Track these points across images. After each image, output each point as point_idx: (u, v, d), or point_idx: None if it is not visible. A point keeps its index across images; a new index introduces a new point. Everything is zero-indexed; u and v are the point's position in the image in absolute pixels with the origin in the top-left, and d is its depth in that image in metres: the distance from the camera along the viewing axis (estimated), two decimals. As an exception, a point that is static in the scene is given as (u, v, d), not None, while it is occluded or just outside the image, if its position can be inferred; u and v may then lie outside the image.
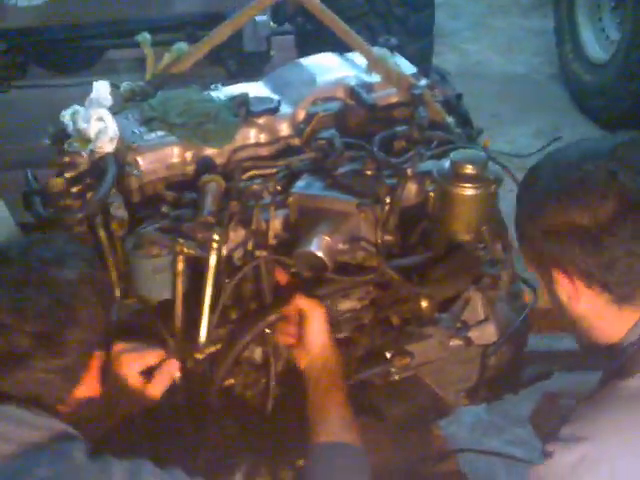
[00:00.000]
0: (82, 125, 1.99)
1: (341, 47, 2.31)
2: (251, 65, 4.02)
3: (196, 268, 1.86)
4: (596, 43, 5.38)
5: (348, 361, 2.01)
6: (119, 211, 1.93)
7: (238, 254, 1.92)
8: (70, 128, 2.03)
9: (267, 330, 1.90)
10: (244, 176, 2.00)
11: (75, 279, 1.58)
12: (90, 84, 2.08)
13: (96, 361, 1.64)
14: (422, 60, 3.82)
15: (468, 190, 1.92)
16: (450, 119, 2.25)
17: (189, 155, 2.03)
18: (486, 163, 1.94)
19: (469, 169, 1.91)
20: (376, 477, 1.74)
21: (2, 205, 2.22)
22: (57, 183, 1.91)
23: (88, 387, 1.64)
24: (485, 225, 1.96)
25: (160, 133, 2.04)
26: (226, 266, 1.88)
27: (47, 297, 1.53)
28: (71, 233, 1.85)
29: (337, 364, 1.84)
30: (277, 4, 2.27)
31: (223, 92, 2.18)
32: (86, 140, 1.99)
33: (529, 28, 6.46)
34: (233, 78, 3.88)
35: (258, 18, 3.75)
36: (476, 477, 2.69)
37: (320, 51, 2.36)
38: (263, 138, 2.11)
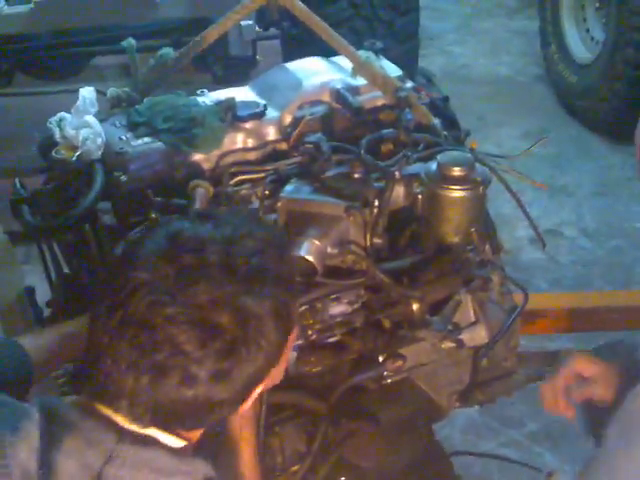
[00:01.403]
0: (69, 132, 1.99)
1: (326, 51, 2.30)
2: (237, 70, 4.01)
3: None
4: (581, 44, 5.40)
5: (340, 365, 2.01)
6: (107, 218, 1.93)
7: (227, 259, 1.91)
8: (57, 135, 2.02)
9: None
10: (232, 181, 2.00)
11: (264, 313, 1.38)
12: (77, 91, 2.07)
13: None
14: (408, 63, 3.83)
15: (456, 192, 1.92)
16: (436, 121, 2.25)
17: (176, 161, 2.03)
18: (473, 165, 1.95)
19: (456, 171, 1.92)
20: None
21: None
22: (45, 191, 1.91)
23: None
24: (474, 227, 1.96)
25: (147, 139, 2.03)
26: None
27: (239, 333, 1.34)
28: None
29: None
30: (262, 8, 2.26)
31: (209, 97, 2.18)
32: (73, 147, 1.98)
33: (514, 30, 6.49)
34: (219, 83, 3.88)
35: (243, 22, 3.75)
36: (471, 480, 2.70)
37: (306, 55, 2.36)
38: (250, 143, 2.11)
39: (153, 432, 1.39)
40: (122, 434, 1.37)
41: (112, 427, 1.38)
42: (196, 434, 1.48)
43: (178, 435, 1.43)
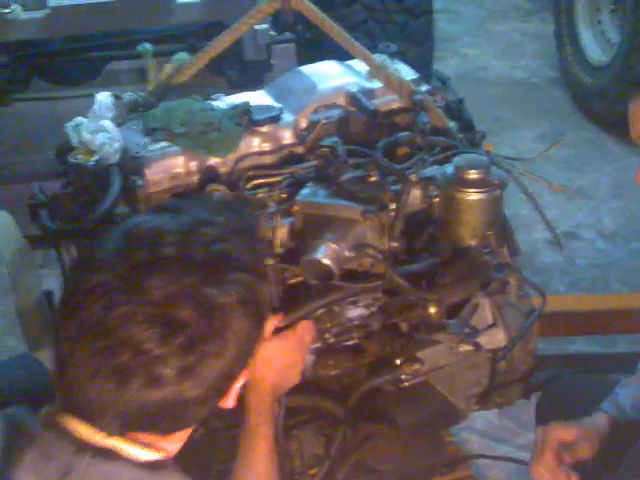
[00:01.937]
0: (86, 137, 1.99)
1: (340, 55, 2.31)
2: (252, 74, 4.02)
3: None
4: (596, 46, 5.38)
5: (358, 368, 2.01)
6: (125, 222, 1.93)
7: (244, 263, 1.91)
8: (74, 140, 2.03)
9: None
10: (248, 185, 2.00)
11: (229, 303, 1.33)
12: (93, 96, 2.08)
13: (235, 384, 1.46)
14: (422, 66, 3.83)
15: (472, 195, 1.91)
16: (452, 124, 2.25)
17: (193, 165, 2.03)
18: (490, 167, 1.94)
19: (473, 174, 1.91)
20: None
21: (9, 218, 2.22)
22: (63, 195, 1.92)
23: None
24: (491, 229, 1.95)
25: (164, 143, 2.03)
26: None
27: (203, 326, 1.29)
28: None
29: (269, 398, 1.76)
30: (276, 12, 2.26)
31: (225, 101, 2.18)
32: (90, 152, 1.99)
33: (529, 32, 6.47)
34: (234, 87, 3.88)
35: (258, 27, 3.75)
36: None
37: (320, 59, 2.36)
38: (266, 147, 2.11)
39: (118, 444, 1.34)
40: (82, 447, 1.32)
41: (72, 440, 1.33)
42: (175, 444, 1.42)
43: (151, 446, 1.37)
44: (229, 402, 1.46)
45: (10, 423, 1.37)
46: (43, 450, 1.33)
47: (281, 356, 1.75)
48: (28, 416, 1.40)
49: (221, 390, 1.38)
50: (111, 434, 1.32)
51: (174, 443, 1.43)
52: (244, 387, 1.74)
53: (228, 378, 1.37)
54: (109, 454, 1.33)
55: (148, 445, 1.37)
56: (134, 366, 1.26)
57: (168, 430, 1.37)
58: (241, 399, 1.73)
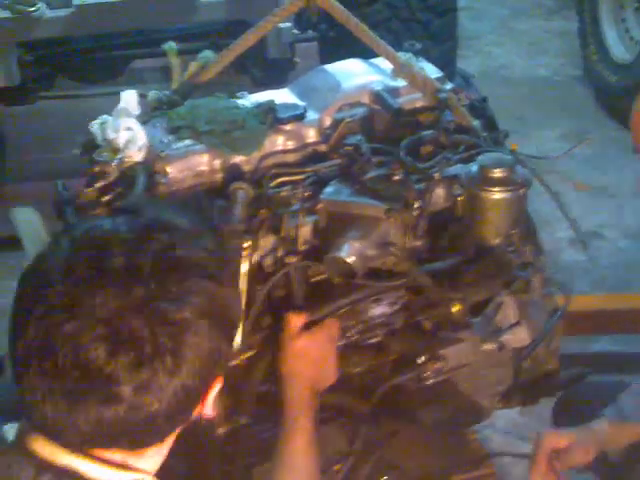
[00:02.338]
0: (111, 135, 2.00)
1: (363, 53, 2.31)
2: (275, 72, 4.02)
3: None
4: (620, 44, 5.35)
5: (381, 366, 2.01)
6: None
7: (268, 261, 1.92)
8: (99, 138, 2.03)
9: None
10: (272, 183, 2.00)
11: (186, 315, 1.23)
12: (117, 94, 2.09)
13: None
14: (446, 64, 3.81)
15: (497, 194, 1.91)
16: (476, 122, 2.24)
17: (217, 163, 2.03)
18: (514, 166, 1.94)
19: (497, 172, 1.91)
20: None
21: (36, 214, 2.23)
22: (88, 193, 1.93)
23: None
24: (515, 228, 1.95)
25: (188, 141, 2.04)
26: (257, 273, 1.89)
27: (154, 340, 1.20)
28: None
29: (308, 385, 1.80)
30: (300, 11, 2.27)
31: (250, 99, 2.19)
32: (115, 150, 2.00)
33: (552, 30, 6.45)
34: (257, 85, 3.89)
35: (282, 25, 3.76)
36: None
37: (342, 57, 2.36)
38: (290, 145, 2.11)
39: (84, 464, 1.26)
40: (43, 469, 1.25)
41: (32, 461, 1.26)
42: (150, 461, 1.34)
43: (123, 466, 1.29)
44: (206, 411, 1.37)
45: None
46: (3, 472, 1.27)
47: (314, 350, 1.80)
48: None
49: (187, 404, 1.28)
50: (74, 452, 1.26)
51: (149, 460, 1.34)
52: (280, 383, 1.75)
53: (192, 392, 1.27)
54: (70, 476, 1.26)
55: (120, 465, 1.29)
56: (85, 386, 1.19)
57: (134, 446, 1.29)
58: (277, 394, 1.77)
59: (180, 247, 1.25)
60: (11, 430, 1.34)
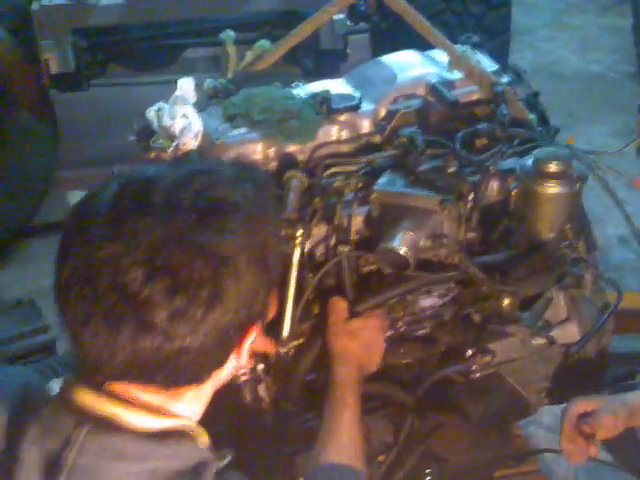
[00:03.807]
0: (167, 122, 2.02)
1: (415, 45, 2.30)
2: (327, 63, 4.03)
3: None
4: (675, 41, 5.30)
5: (429, 358, 2.01)
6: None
7: (320, 250, 1.93)
8: (155, 125, 2.05)
9: None
10: (326, 173, 2.01)
11: (225, 249, 1.25)
12: (168, 82, 2.10)
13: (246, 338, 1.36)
14: (498, 58, 3.80)
15: (552, 188, 1.90)
16: (532, 117, 2.23)
17: (271, 152, 2.04)
18: (570, 161, 1.93)
19: (553, 167, 1.90)
20: (455, 475, 1.74)
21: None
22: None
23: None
24: (569, 223, 1.94)
25: (243, 130, 2.05)
26: (308, 262, 1.90)
27: (191, 269, 1.22)
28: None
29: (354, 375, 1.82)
30: (355, 2, 2.27)
31: (304, 90, 2.19)
32: (171, 136, 2.01)
33: (606, 26, 6.39)
34: (309, 76, 3.90)
35: (335, 17, 3.77)
36: (556, 478, 2.67)
37: (393, 49, 2.36)
38: (344, 135, 2.11)
39: (120, 411, 1.28)
40: (82, 418, 1.28)
41: (73, 411, 1.29)
42: (189, 407, 1.35)
43: (160, 411, 1.31)
44: (242, 361, 1.38)
45: (22, 392, 1.37)
46: (47, 422, 1.30)
47: (366, 333, 1.86)
48: (40, 388, 1.38)
49: (223, 342, 1.29)
50: (114, 399, 1.28)
51: (187, 406, 1.35)
52: (331, 361, 1.79)
53: (226, 333, 1.28)
54: (110, 424, 1.27)
55: (156, 410, 1.31)
56: (122, 310, 1.21)
57: (170, 383, 1.30)
58: (327, 374, 1.80)
59: (220, 187, 1.30)
60: (56, 384, 1.37)
